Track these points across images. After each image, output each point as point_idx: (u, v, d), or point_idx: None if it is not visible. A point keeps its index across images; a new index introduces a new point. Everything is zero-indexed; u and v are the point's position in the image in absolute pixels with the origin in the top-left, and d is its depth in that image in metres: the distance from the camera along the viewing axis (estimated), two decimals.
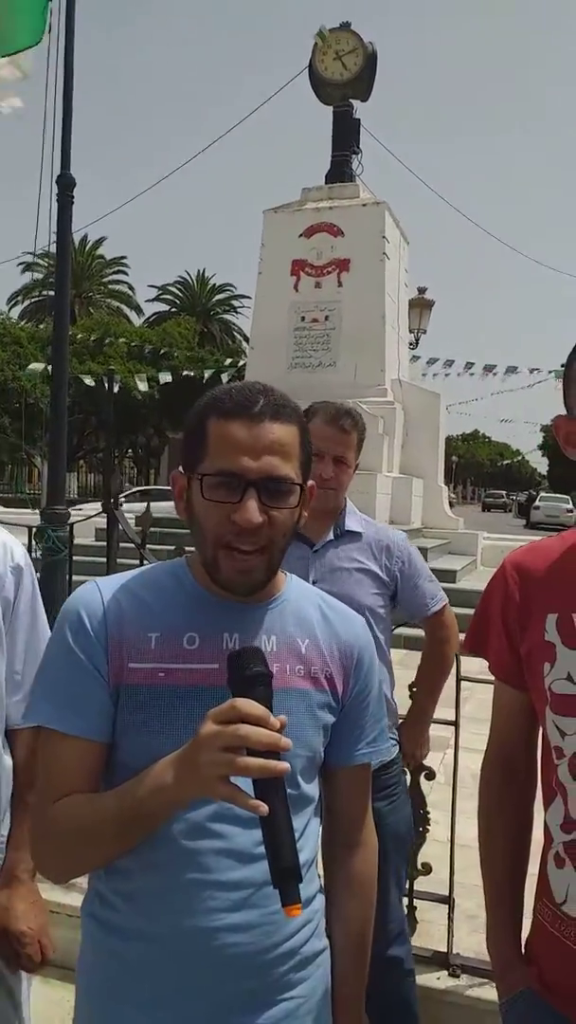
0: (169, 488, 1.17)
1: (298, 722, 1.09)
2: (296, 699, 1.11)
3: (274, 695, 0.95)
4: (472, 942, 2.51)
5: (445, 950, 2.47)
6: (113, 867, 1.08)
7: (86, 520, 5.09)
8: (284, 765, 0.89)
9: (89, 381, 16.47)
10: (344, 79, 11.63)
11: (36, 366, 19.58)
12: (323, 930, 1.19)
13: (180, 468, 1.12)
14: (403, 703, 2.34)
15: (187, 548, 1.42)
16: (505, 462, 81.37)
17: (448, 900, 2.52)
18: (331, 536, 2.17)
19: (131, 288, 45.93)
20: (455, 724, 2.52)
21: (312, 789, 1.16)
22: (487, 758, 1.41)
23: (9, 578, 1.47)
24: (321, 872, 1.25)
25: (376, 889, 1.29)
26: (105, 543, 4.05)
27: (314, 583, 2.08)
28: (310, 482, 1.12)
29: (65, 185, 6.21)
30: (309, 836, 1.15)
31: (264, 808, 0.87)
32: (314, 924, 1.16)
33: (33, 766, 1.15)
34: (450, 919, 2.49)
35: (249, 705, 0.90)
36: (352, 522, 2.20)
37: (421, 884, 2.56)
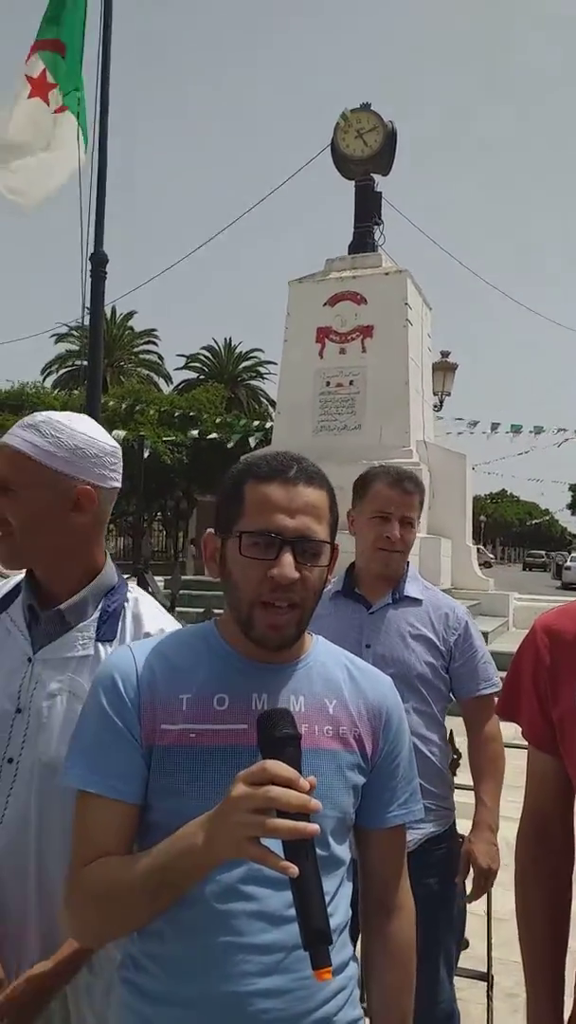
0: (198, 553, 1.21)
1: (327, 783, 1.10)
2: (325, 759, 1.12)
3: (303, 756, 0.96)
4: (513, 1023, 2.40)
5: None
6: (145, 930, 1.07)
7: None
8: (314, 827, 0.90)
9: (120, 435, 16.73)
10: (365, 155, 12.10)
11: None
12: (357, 998, 1.17)
13: (212, 530, 1.17)
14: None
15: (216, 611, 1.44)
16: (534, 521, 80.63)
17: (487, 977, 2.43)
18: (389, 599, 2.14)
19: (160, 357, 47.16)
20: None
21: (343, 851, 1.15)
22: (521, 827, 1.39)
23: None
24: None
25: (415, 955, 1.26)
26: None
27: (366, 646, 2.08)
28: (336, 542, 1.15)
29: (98, 262, 6.50)
30: (341, 899, 1.14)
31: (294, 870, 0.88)
32: (348, 991, 1.14)
33: None
34: (489, 998, 2.40)
35: (279, 767, 0.91)
36: (412, 588, 2.18)
37: (459, 961, 2.47)
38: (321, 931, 0.89)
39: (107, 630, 1.36)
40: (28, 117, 5.39)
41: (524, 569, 54.71)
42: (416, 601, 2.15)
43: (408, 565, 2.21)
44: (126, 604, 1.41)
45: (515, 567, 56.56)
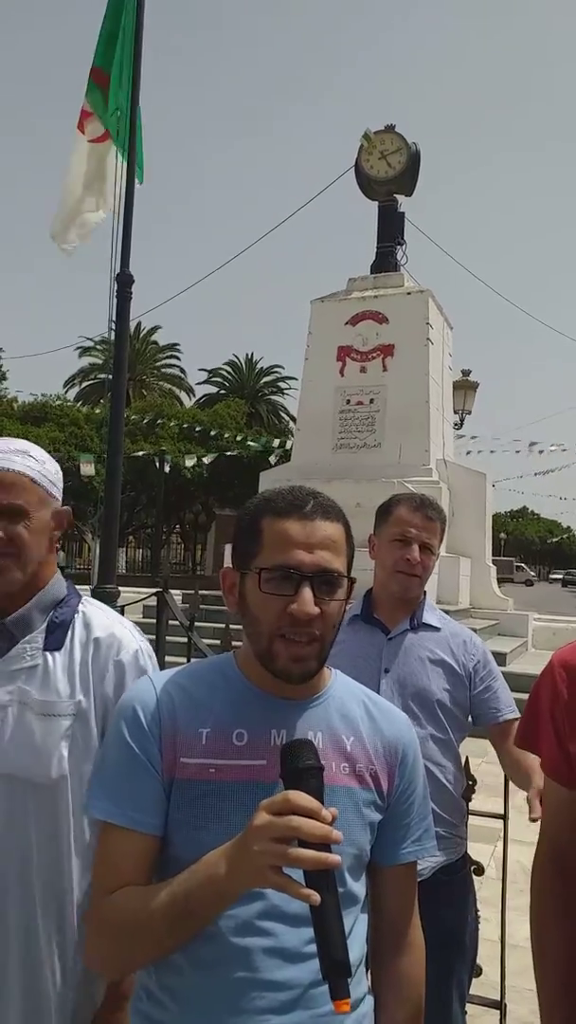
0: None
1: (344, 819, 1.10)
2: (342, 796, 1.13)
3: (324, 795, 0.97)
4: None
5: None
6: (162, 962, 1.08)
7: (137, 603, 5.21)
8: (336, 858, 0.91)
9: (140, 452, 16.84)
10: (389, 177, 12.17)
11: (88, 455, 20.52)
12: None
13: (230, 564, 1.19)
14: None
15: (235, 626, 1.46)
16: (555, 539, 79.84)
17: (500, 1005, 2.42)
18: (407, 625, 2.16)
19: (183, 372, 47.49)
20: (503, 817, 2.47)
21: (359, 888, 1.16)
22: (537, 860, 1.39)
23: (111, 672, 1.41)
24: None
25: (425, 992, 1.26)
26: (154, 620, 4.14)
27: (385, 671, 2.08)
28: (353, 575, 1.17)
29: (124, 282, 6.60)
30: (357, 935, 1.15)
31: (316, 897, 0.88)
32: None
33: None
34: None
35: (302, 797, 0.92)
36: (430, 616, 2.19)
37: (471, 987, 2.46)
38: (341, 962, 0.90)
39: (54, 640, 1.39)
40: (78, 156, 5.55)
41: (563, 586, 56.96)
42: (434, 628, 2.17)
43: (424, 595, 2.22)
44: (76, 615, 1.44)
45: (539, 585, 56.70)
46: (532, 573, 60.06)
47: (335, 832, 0.91)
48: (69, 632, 1.42)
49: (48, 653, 1.38)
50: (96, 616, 1.47)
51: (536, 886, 1.38)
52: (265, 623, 1.10)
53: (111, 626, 1.46)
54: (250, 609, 1.13)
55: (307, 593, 1.07)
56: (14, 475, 1.37)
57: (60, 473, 1.48)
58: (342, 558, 1.13)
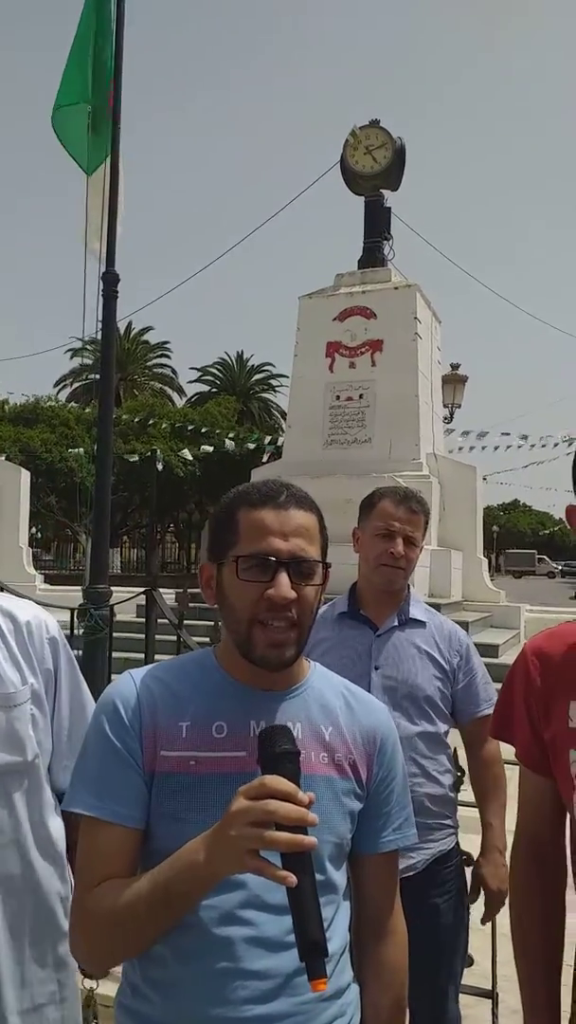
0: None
1: (324, 809, 1.11)
2: (321, 786, 1.13)
3: (301, 781, 0.98)
4: None
5: None
6: (145, 955, 1.09)
7: (126, 601, 5.21)
8: (312, 840, 0.92)
9: (134, 457, 16.94)
10: (374, 172, 12.17)
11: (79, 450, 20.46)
12: (358, 1023, 1.18)
13: (207, 558, 1.20)
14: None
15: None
16: (546, 531, 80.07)
17: (492, 995, 2.43)
18: (395, 622, 2.17)
19: (174, 371, 47.46)
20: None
21: (340, 877, 1.17)
22: (515, 849, 1.40)
23: (47, 649, 1.50)
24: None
25: (408, 978, 1.27)
26: (144, 619, 4.14)
27: (376, 668, 2.10)
28: (329, 563, 1.19)
29: (110, 281, 6.59)
30: (339, 924, 1.15)
31: (292, 879, 0.90)
32: (347, 1017, 1.14)
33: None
34: (494, 1015, 2.40)
35: (278, 781, 0.94)
36: (416, 611, 2.20)
37: (463, 977, 2.47)
38: (317, 942, 0.91)
39: None
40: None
41: (562, 577, 57.56)
42: (421, 623, 2.18)
43: (410, 588, 2.23)
44: None
45: (534, 578, 57.07)
46: (555, 565, 60.73)
47: (311, 814, 0.93)
48: None
49: None
50: (11, 603, 1.51)
51: (515, 876, 1.39)
52: (242, 610, 1.12)
53: (29, 609, 1.52)
54: (228, 598, 1.15)
55: (284, 578, 1.10)
56: None
57: None
58: (316, 546, 1.16)
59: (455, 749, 2.24)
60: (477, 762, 2.24)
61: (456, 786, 2.23)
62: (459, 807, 2.24)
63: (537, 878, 1.35)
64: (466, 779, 2.27)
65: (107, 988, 2.35)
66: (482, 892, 2.14)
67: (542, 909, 1.34)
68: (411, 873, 1.99)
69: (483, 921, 2.16)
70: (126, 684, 1.17)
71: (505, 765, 2.23)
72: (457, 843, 2.19)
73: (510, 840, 2.04)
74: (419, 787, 2.04)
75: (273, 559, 1.11)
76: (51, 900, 1.41)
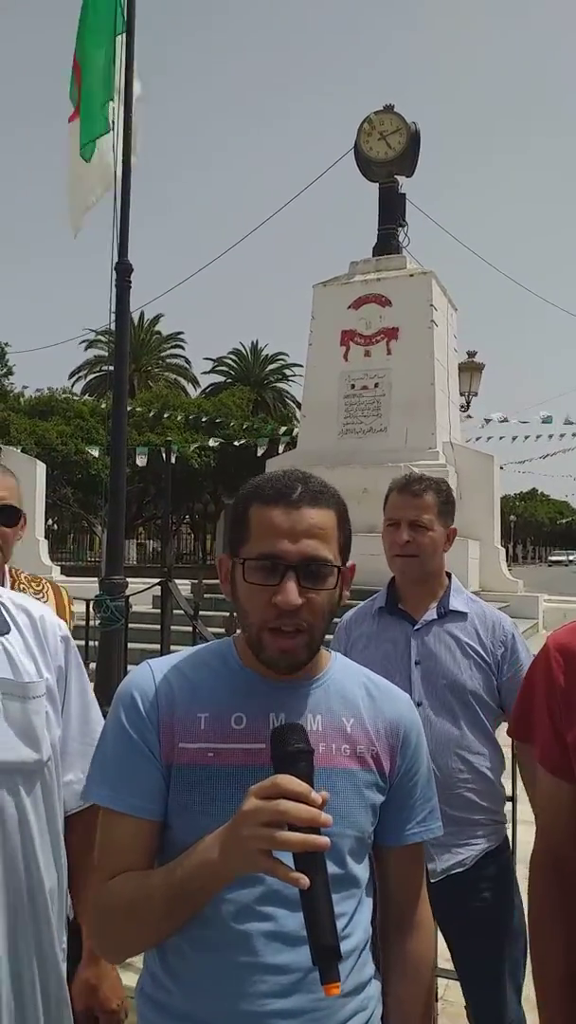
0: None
1: (345, 802, 1.10)
2: (342, 779, 1.12)
3: (321, 775, 0.97)
4: None
5: None
6: (165, 947, 1.09)
7: (142, 592, 5.20)
8: (324, 840, 0.91)
9: (141, 461, 17.01)
10: (389, 158, 12.05)
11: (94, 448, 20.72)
12: (379, 1018, 1.16)
13: (224, 550, 1.18)
14: None
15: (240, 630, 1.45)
16: (564, 520, 79.57)
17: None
18: (434, 615, 2.11)
19: (187, 361, 47.43)
20: (512, 799, 2.45)
21: (362, 870, 1.15)
22: (534, 857, 1.34)
23: (60, 647, 1.48)
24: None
25: (432, 971, 1.25)
26: (160, 610, 4.13)
27: (416, 663, 2.05)
28: (350, 563, 1.16)
29: (123, 271, 6.56)
30: (360, 918, 1.14)
31: (304, 881, 0.89)
32: (368, 1012, 1.13)
33: (90, 846, 1.18)
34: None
35: (290, 781, 0.92)
36: (457, 601, 2.13)
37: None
38: (329, 946, 0.89)
39: (1, 624, 1.40)
40: (72, 143, 5.50)
41: None
42: (462, 615, 2.11)
43: (451, 578, 2.17)
44: (1, 597, 1.45)
45: (540, 568, 56.74)
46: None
47: (323, 815, 0.91)
48: (7, 616, 1.42)
49: (2, 638, 1.38)
50: (21, 598, 1.49)
51: (534, 891, 1.32)
52: (252, 614, 1.10)
53: (40, 607, 1.50)
54: (239, 599, 1.12)
55: (290, 584, 1.06)
56: None
57: None
58: (331, 545, 1.10)
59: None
60: (525, 760, 2.16)
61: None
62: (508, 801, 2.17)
63: (557, 888, 1.29)
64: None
65: (128, 979, 2.36)
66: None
67: (562, 922, 1.27)
68: (460, 870, 1.96)
69: None
70: (144, 675, 1.16)
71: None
72: (507, 837, 2.14)
73: (529, 830, 2.02)
74: (466, 783, 2.00)
75: (280, 562, 1.06)
76: (53, 903, 1.38)
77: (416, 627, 2.10)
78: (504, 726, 2.14)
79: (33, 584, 2.24)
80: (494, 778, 2.08)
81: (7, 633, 1.39)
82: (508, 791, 2.30)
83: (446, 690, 2.03)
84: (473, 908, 1.99)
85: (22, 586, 2.13)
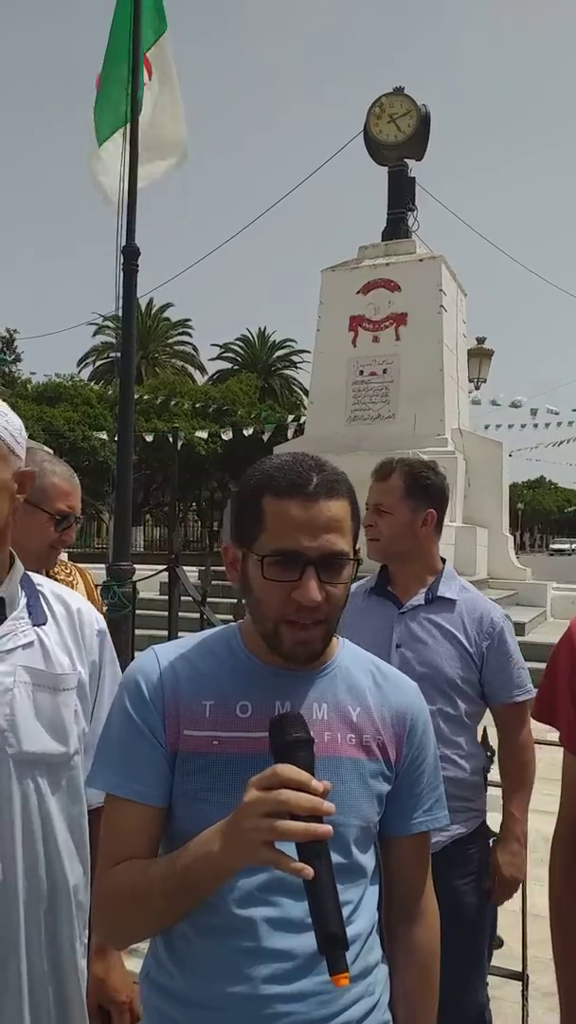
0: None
1: (350, 791, 1.09)
2: (348, 768, 1.11)
3: (326, 764, 0.96)
4: (549, 1022, 2.37)
5: None
6: (170, 932, 1.09)
7: (149, 578, 5.19)
8: (326, 828, 0.90)
9: (149, 436, 17.05)
10: (399, 141, 11.92)
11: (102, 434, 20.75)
12: (386, 1003, 1.16)
13: (231, 539, 1.14)
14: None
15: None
16: (572, 508, 79.46)
17: (522, 976, 2.40)
18: (421, 600, 2.10)
19: (195, 348, 47.39)
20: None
21: (367, 859, 1.15)
22: (556, 839, 1.35)
23: (96, 641, 1.44)
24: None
25: (439, 961, 1.25)
26: (167, 597, 4.12)
27: (397, 647, 2.05)
28: (358, 546, 1.13)
29: (130, 254, 6.51)
30: (366, 906, 1.14)
31: (308, 871, 0.88)
32: (375, 997, 1.13)
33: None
34: (524, 997, 2.37)
35: (290, 770, 0.91)
36: (447, 588, 2.11)
37: (492, 959, 2.44)
38: (335, 936, 0.88)
39: (37, 614, 1.35)
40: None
41: None
42: (450, 603, 2.09)
43: (444, 563, 2.16)
44: (39, 587, 1.39)
45: (542, 556, 56.55)
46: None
47: (325, 803, 0.90)
48: (44, 606, 1.38)
49: (38, 628, 1.34)
50: (61, 589, 1.44)
51: (554, 866, 1.34)
52: (269, 608, 1.07)
53: (78, 599, 1.45)
54: (253, 592, 1.10)
55: (311, 580, 1.04)
56: None
57: (24, 431, 1.33)
58: (347, 537, 1.08)
59: (484, 729, 2.18)
60: (505, 749, 2.18)
61: (487, 767, 2.18)
62: (489, 787, 2.19)
63: None
64: (494, 758, 2.21)
65: (132, 964, 2.36)
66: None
67: None
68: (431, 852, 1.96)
69: (499, 902, 2.16)
70: (149, 661, 1.14)
71: (540, 745, 2.17)
72: (481, 825, 2.13)
73: (540, 818, 2.00)
74: None
75: (301, 558, 1.04)
76: (75, 897, 1.34)
77: (402, 611, 2.09)
78: (488, 718, 2.16)
79: (63, 569, 2.21)
80: (468, 766, 2.07)
81: (43, 624, 1.35)
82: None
83: (423, 677, 1.99)
84: (442, 893, 1.98)
85: (55, 571, 2.09)
